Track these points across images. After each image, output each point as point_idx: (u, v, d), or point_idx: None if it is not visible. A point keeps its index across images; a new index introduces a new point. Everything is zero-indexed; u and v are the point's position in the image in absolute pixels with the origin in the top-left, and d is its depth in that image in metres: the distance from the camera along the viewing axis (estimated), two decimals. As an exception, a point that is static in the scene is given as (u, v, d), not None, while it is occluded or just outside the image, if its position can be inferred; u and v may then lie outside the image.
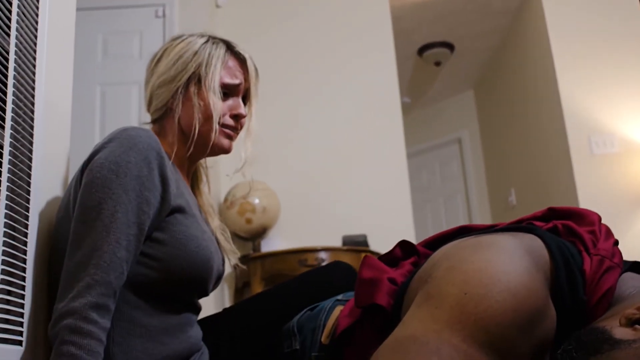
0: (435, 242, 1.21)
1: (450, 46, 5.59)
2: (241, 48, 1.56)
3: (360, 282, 1.14)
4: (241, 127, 1.56)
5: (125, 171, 1.21)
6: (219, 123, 1.47)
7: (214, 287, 1.47)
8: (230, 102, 1.52)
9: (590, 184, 4.25)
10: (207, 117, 1.46)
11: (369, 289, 1.12)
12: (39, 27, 1.35)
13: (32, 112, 1.29)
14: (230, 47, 1.54)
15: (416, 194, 6.11)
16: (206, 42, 1.51)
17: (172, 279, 1.29)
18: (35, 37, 1.34)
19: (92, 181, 1.20)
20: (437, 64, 5.71)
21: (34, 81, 1.31)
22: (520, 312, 0.82)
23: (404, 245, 1.24)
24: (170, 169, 1.30)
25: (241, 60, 1.54)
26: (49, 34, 1.40)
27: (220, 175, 3.78)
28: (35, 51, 1.33)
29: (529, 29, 4.94)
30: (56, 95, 1.44)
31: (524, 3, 4.95)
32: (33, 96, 1.30)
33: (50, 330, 1.13)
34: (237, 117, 1.53)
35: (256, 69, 1.58)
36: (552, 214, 1.14)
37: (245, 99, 1.58)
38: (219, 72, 1.48)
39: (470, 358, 0.77)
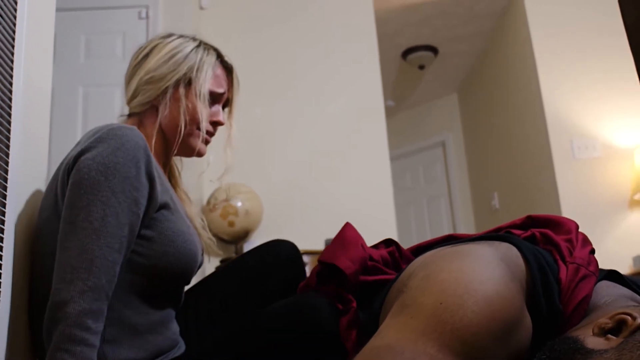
0: (422, 250, 1.22)
1: (434, 49, 5.61)
2: (228, 58, 1.61)
3: (335, 239, 1.16)
4: (215, 134, 1.61)
5: (113, 172, 1.20)
6: (189, 126, 1.51)
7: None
8: (212, 109, 1.56)
9: (572, 189, 4.28)
10: (192, 120, 1.50)
11: (340, 250, 1.14)
12: (17, 27, 1.34)
13: (10, 113, 1.28)
14: (219, 56, 1.58)
15: (400, 197, 6.12)
16: (198, 46, 1.54)
17: (161, 274, 1.30)
18: (13, 38, 1.33)
19: (80, 182, 1.19)
20: (421, 67, 5.72)
21: (11, 84, 1.30)
22: (495, 322, 0.82)
23: (388, 244, 1.25)
24: (156, 166, 1.30)
25: (228, 70, 1.59)
26: (27, 33, 1.39)
27: (204, 178, 3.76)
28: (12, 53, 1.32)
29: (512, 33, 4.96)
30: (35, 96, 1.43)
31: (508, 7, 4.98)
32: (10, 99, 1.29)
33: (45, 326, 1.13)
34: (216, 124, 1.58)
35: (238, 81, 1.63)
36: (531, 222, 1.14)
37: (225, 107, 1.63)
38: (210, 78, 1.52)
39: None
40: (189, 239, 1.35)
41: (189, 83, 1.49)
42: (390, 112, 6.25)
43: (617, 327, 0.83)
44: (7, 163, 1.25)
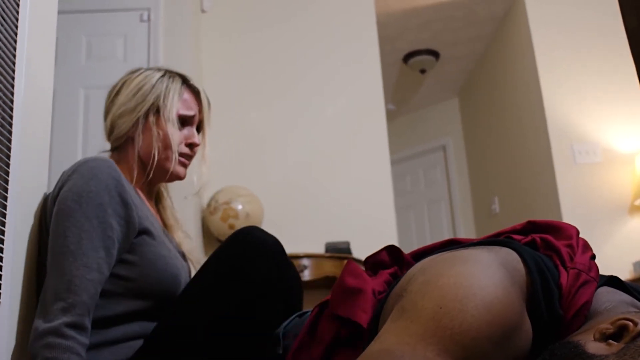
0: (423, 255, 1.21)
1: (435, 54, 5.62)
2: (195, 81, 1.68)
3: (342, 289, 1.14)
4: (194, 155, 1.67)
5: (87, 200, 1.32)
6: (166, 151, 1.58)
7: None
8: (185, 131, 1.63)
9: (573, 193, 4.28)
10: (166, 145, 1.57)
11: (350, 299, 1.13)
12: (19, 29, 1.34)
13: (11, 114, 1.28)
14: (185, 81, 1.65)
15: (400, 201, 6.12)
16: (163, 75, 1.62)
17: (143, 296, 1.39)
18: (15, 40, 1.33)
19: (58, 213, 1.32)
20: (422, 71, 5.73)
21: (13, 85, 1.30)
22: (494, 326, 0.82)
23: (391, 251, 1.24)
24: (132, 194, 1.41)
25: (195, 93, 1.66)
26: (30, 35, 1.39)
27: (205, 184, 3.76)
28: (14, 54, 1.32)
29: (513, 37, 4.97)
30: (36, 97, 1.43)
31: (509, 11, 4.98)
32: (12, 100, 1.29)
33: (30, 348, 1.21)
34: (192, 146, 1.64)
35: (208, 101, 1.70)
36: (531, 227, 1.14)
37: (199, 128, 1.69)
38: (176, 104, 1.59)
39: None
40: (169, 262, 1.44)
41: (157, 111, 1.57)
42: (391, 116, 6.25)
43: (619, 332, 0.83)
44: (8, 165, 1.26)
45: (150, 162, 1.57)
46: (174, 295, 1.45)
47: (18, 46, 1.33)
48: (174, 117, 1.58)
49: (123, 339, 1.37)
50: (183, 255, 1.63)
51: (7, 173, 1.25)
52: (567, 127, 4.38)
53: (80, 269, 1.26)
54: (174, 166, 1.60)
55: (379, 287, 1.15)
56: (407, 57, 5.64)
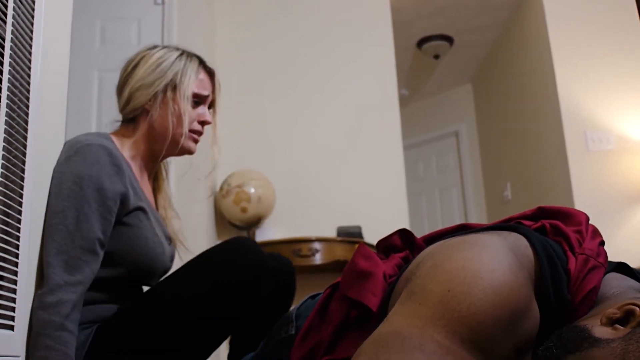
0: (435, 239, 1.22)
1: (449, 39, 5.59)
2: (210, 63, 1.78)
3: (354, 271, 1.16)
4: (203, 133, 1.76)
5: (88, 184, 1.40)
6: (179, 127, 1.66)
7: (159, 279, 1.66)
8: (199, 110, 1.71)
9: (586, 181, 4.26)
10: (179, 121, 1.66)
11: (361, 282, 1.14)
12: (36, 12, 1.36)
13: (28, 97, 1.30)
14: (202, 62, 1.74)
15: (412, 186, 6.12)
16: (181, 54, 1.70)
17: (117, 267, 1.50)
18: (32, 23, 1.34)
19: (59, 190, 1.40)
20: (436, 56, 5.70)
21: (29, 68, 1.31)
22: (502, 310, 0.83)
23: (403, 234, 1.25)
24: (130, 176, 1.52)
25: (210, 74, 1.76)
26: (46, 18, 1.40)
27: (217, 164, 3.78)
28: (31, 37, 1.33)
29: (528, 24, 4.94)
30: (52, 80, 1.45)
31: (524, -2, 4.95)
32: (29, 83, 1.31)
33: (31, 319, 1.31)
34: (203, 123, 1.74)
35: (219, 84, 1.79)
36: (541, 213, 1.15)
37: (210, 108, 1.79)
38: (193, 82, 1.68)
39: (452, 354, 0.78)
40: (150, 245, 1.55)
41: (174, 88, 1.65)
42: (404, 101, 6.24)
43: (625, 317, 0.83)
44: (25, 146, 1.27)
45: (167, 136, 1.65)
46: (148, 276, 1.58)
47: (35, 30, 1.35)
48: (189, 94, 1.66)
49: (90, 301, 1.45)
50: (169, 237, 1.71)
51: (25, 154, 1.27)
52: (581, 115, 4.35)
53: (77, 250, 1.36)
54: (185, 141, 1.68)
55: (390, 270, 1.16)
56: (421, 43, 5.62)
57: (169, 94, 1.65)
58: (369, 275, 1.13)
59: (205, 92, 1.72)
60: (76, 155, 1.43)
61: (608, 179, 4.25)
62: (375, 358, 0.77)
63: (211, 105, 1.79)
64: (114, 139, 1.62)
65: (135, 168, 1.64)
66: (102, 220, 1.41)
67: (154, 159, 1.71)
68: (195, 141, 1.73)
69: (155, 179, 1.81)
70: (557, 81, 4.41)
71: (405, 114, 5.54)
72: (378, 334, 0.82)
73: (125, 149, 1.64)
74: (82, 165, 1.42)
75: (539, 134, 4.85)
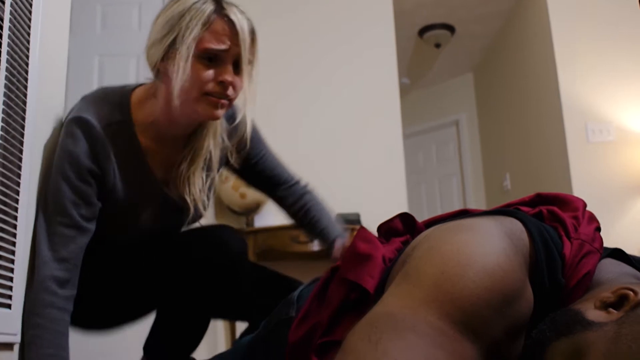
0: (435, 223, 1.22)
1: (451, 28, 5.58)
2: (233, 10, 1.44)
3: (353, 254, 1.16)
4: (233, 94, 1.47)
5: (70, 161, 1.37)
6: (190, 91, 1.42)
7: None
8: (215, 68, 1.42)
9: (585, 172, 4.26)
10: (193, 83, 1.41)
11: (360, 264, 1.15)
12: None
13: (26, 83, 1.30)
14: (219, 8, 1.42)
15: (411, 175, 6.12)
16: (197, 1, 1.41)
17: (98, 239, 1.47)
18: (31, 5, 1.34)
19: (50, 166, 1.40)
20: (437, 45, 5.69)
21: (27, 54, 1.31)
22: (495, 293, 0.83)
23: (404, 218, 1.25)
24: (122, 152, 1.45)
25: (230, 23, 1.42)
26: (45, 3, 1.40)
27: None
28: (30, 22, 1.33)
29: (530, 14, 4.93)
30: (51, 65, 1.45)
31: (527, -13, 4.94)
32: (27, 69, 1.31)
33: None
34: (224, 84, 1.43)
35: (253, 32, 1.48)
36: (539, 199, 1.15)
37: (238, 65, 1.46)
38: (195, 35, 1.38)
39: (444, 335, 0.78)
40: (122, 226, 1.54)
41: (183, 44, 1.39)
42: (405, 90, 6.23)
43: (619, 301, 0.84)
44: (23, 130, 1.27)
45: (178, 100, 1.42)
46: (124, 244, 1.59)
47: (33, 15, 1.35)
48: (188, 49, 1.38)
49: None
50: (177, 205, 1.60)
51: (22, 143, 1.27)
52: (582, 106, 4.35)
53: (59, 227, 1.35)
54: (199, 105, 1.43)
55: (389, 254, 1.16)
56: (423, 31, 5.61)
57: (180, 50, 1.38)
58: (368, 258, 1.14)
59: (222, 46, 1.40)
60: (64, 133, 1.40)
61: (607, 171, 4.25)
62: (367, 338, 0.78)
63: (238, 61, 1.45)
64: (136, 96, 1.50)
65: (149, 134, 1.50)
66: (79, 195, 1.38)
67: (176, 125, 1.51)
68: (216, 105, 1.44)
69: (194, 135, 1.57)
70: (558, 73, 4.41)
71: (406, 102, 5.54)
72: (371, 315, 0.83)
73: (146, 110, 1.49)
74: (67, 142, 1.39)
75: (539, 125, 4.85)
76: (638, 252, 3.96)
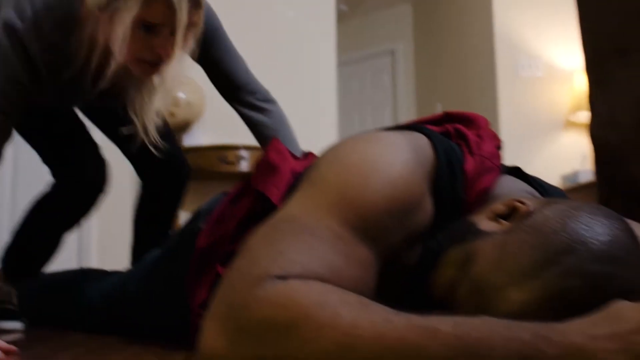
0: None
1: (391, -44, 5.53)
2: None
3: (263, 164, 1.18)
4: (168, 60, 1.51)
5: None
6: (126, 55, 1.49)
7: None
8: (153, 38, 1.47)
9: (513, 105, 4.36)
10: (123, 46, 1.46)
11: (267, 174, 1.16)
12: None
13: None
14: None
15: (345, 102, 6.14)
16: None
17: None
18: None
19: None
20: (377, -28, 5.65)
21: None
22: (395, 202, 0.86)
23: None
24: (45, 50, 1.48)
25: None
26: None
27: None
28: None
29: (469, -55, 4.92)
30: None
31: None
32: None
33: None
34: (158, 54, 1.49)
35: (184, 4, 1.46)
36: (447, 118, 1.18)
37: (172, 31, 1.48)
38: (136, 8, 1.41)
39: (343, 240, 0.80)
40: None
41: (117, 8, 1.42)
42: (342, 17, 6.18)
43: (510, 213, 0.88)
44: None
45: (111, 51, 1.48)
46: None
47: None
48: (130, 17, 1.42)
49: None
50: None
51: None
52: (514, 40, 4.41)
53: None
54: (133, 67, 1.53)
55: (299, 168, 1.19)
56: (363, -43, 5.54)
57: (114, 11, 1.42)
58: (276, 169, 1.16)
59: (155, 20, 1.45)
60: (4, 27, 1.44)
61: (534, 105, 4.36)
62: (265, 241, 0.80)
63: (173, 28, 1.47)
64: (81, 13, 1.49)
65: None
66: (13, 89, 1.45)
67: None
68: (149, 70, 1.54)
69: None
70: (493, 7, 4.44)
71: (342, 29, 5.50)
72: (272, 219, 0.85)
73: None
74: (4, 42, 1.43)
75: (472, 58, 4.91)
76: (559, 181, 4.11)
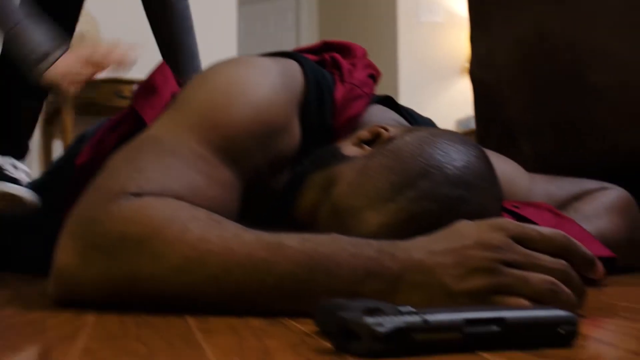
0: None
1: None
2: None
3: (145, 85, 1.17)
4: None
5: None
6: None
7: None
8: None
9: (412, 50, 4.42)
10: None
11: (147, 95, 1.15)
12: None
13: None
14: None
15: (247, 44, 6.06)
16: None
17: None
18: None
19: None
20: None
21: None
22: (258, 125, 0.86)
23: None
24: None
25: None
26: None
27: None
28: None
29: None
30: None
31: None
32: None
33: None
34: None
35: None
36: (325, 47, 1.18)
37: None
38: None
39: (205, 160, 0.81)
40: None
41: None
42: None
43: (374, 139, 0.89)
44: None
45: None
46: None
47: None
48: None
49: None
50: None
51: None
52: (415, -16, 4.45)
53: None
54: None
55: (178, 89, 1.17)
56: None
57: None
58: (155, 90, 1.15)
59: None
60: None
61: (433, 51, 4.44)
62: (125, 160, 0.79)
63: None
64: None
65: None
66: None
67: None
68: None
69: None
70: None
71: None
72: (136, 139, 0.84)
73: None
74: None
75: (374, 0, 4.92)
76: (454, 126, 4.23)
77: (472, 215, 0.68)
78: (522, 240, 0.63)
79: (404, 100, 1.45)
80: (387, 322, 0.43)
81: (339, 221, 0.81)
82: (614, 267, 0.93)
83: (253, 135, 0.86)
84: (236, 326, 0.59)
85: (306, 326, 0.58)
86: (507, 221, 0.65)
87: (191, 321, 0.61)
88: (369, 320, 0.43)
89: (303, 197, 0.89)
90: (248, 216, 0.83)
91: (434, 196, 0.76)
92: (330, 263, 0.64)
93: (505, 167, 1.18)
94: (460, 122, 4.25)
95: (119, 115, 1.25)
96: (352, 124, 1.02)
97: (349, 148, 0.90)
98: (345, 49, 1.15)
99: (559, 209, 1.11)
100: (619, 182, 1.22)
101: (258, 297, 0.65)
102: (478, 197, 0.78)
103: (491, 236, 0.62)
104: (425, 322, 0.44)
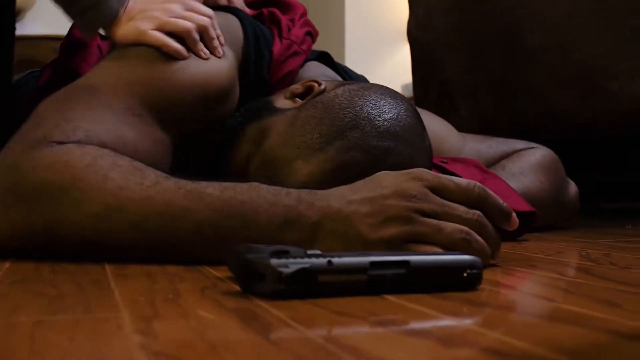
0: None
1: None
2: None
3: (69, 42, 1.15)
4: None
5: None
6: None
7: None
8: None
9: (359, 16, 4.41)
10: None
11: (76, 52, 1.13)
12: None
13: None
14: None
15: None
16: None
17: None
18: None
19: None
20: None
21: None
22: (200, 88, 0.86)
23: None
24: None
25: None
26: None
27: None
28: None
29: None
30: None
31: None
32: None
33: None
34: None
35: None
36: (265, 1, 1.18)
37: None
38: None
39: (139, 117, 0.79)
40: None
41: None
42: None
43: (306, 92, 0.90)
44: None
45: None
46: None
47: None
48: None
49: None
50: None
51: None
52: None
53: None
54: None
55: (105, 46, 1.15)
56: None
57: None
58: (83, 45, 1.12)
59: None
60: None
61: (380, 16, 4.42)
62: (54, 107, 0.77)
63: None
64: None
65: None
66: None
67: None
68: None
69: None
70: None
71: None
72: (70, 85, 0.82)
73: None
74: None
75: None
76: (400, 90, 4.24)
77: (400, 167, 0.69)
78: (439, 191, 0.64)
79: (350, 65, 1.46)
80: (291, 264, 0.43)
81: (271, 172, 0.82)
82: (535, 222, 0.95)
83: (194, 98, 0.85)
84: (153, 272, 0.59)
85: (221, 272, 0.59)
86: (425, 171, 0.66)
87: (109, 268, 0.61)
88: (274, 261, 0.43)
89: (236, 149, 0.89)
90: (188, 170, 0.83)
91: (362, 147, 0.77)
92: (249, 210, 0.65)
93: (437, 126, 1.20)
94: (405, 87, 4.27)
95: (44, 79, 1.21)
96: (288, 80, 1.02)
97: (281, 101, 0.90)
98: (284, 4, 1.15)
99: (488, 167, 1.13)
100: (553, 143, 1.25)
101: (177, 244, 0.66)
102: (406, 149, 0.80)
103: (408, 186, 0.63)
104: (330, 263, 0.44)
